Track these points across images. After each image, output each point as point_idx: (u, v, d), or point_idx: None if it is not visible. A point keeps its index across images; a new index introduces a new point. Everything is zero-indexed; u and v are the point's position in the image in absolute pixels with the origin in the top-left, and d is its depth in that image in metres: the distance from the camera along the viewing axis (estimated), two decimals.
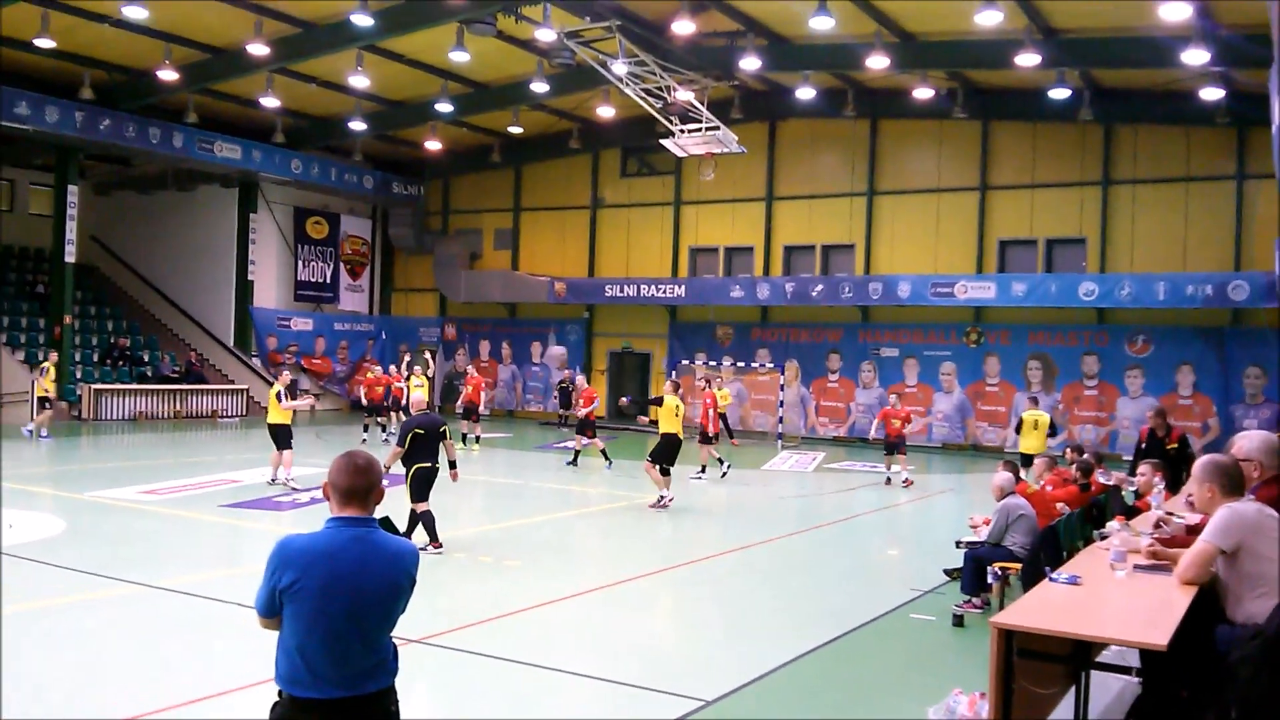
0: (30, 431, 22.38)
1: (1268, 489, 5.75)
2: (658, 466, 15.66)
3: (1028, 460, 15.87)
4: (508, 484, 19.22)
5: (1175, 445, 13.31)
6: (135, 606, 9.26)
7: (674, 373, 29.14)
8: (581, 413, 21.42)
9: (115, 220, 34.18)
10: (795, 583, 11.47)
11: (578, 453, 21.64)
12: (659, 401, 16.04)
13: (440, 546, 11.60)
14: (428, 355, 26.34)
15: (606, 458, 21.35)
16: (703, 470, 20.46)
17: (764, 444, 27.95)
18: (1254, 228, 24.57)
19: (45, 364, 23.53)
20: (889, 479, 20.24)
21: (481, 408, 24.39)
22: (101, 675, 7.28)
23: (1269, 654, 4.52)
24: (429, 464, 11.62)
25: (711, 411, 20.96)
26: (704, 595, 10.70)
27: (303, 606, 3.65)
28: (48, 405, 23.10)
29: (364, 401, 25.83)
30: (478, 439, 24.27)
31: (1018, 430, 19.40)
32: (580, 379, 24.00)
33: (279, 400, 16.60)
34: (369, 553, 3.73)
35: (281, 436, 16.55)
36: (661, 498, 15.63)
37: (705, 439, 20.76)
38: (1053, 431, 18.88)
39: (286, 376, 17.60)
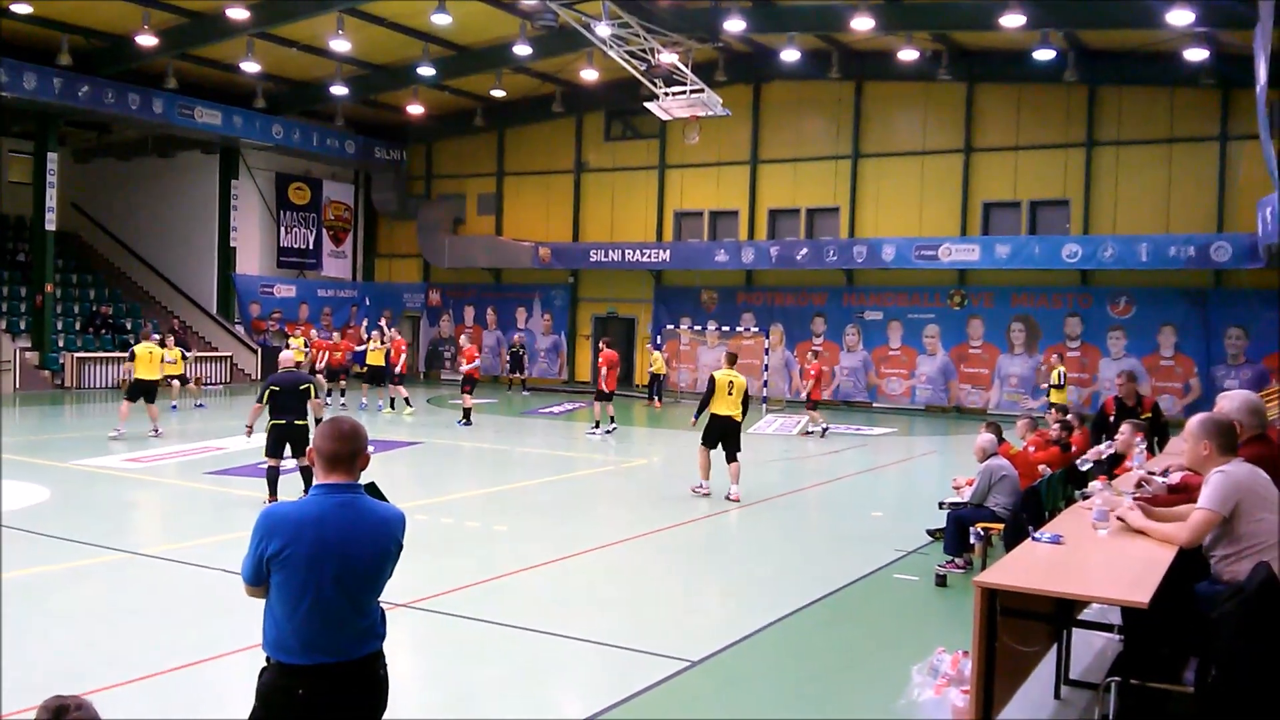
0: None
1: (1249, 448, 5.81)
2: (706, 451, 13.74)
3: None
4: (494, 449, 19.24)
5: (1149, 415, 11.57)
6: (121, 574, 9.27)
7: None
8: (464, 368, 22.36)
9: (96, 187, 33.88)
10: (780, 544, 11.53)
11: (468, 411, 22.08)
12: (711, 386, 13.74)
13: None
14: (383, 323, 26.29)
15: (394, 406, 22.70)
16: (596, 426, 21.17)
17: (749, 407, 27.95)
18: (1237, 189, 24.64)
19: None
20: (808, 430, 21.97)
21: (399, 369, 24.42)
22: (88, 642, 7.29)
23: (1250, 611, 4.58)
24: (283, 421, 11.74)
25: (605, 371, 21.50)
26: (689, 558, 10.77)
27: (290, 574, 3.65)
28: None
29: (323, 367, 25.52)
30: (407, 401, 24.10)
31: (1050, 387, 21.70)
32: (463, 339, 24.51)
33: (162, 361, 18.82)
34: (355, 518, 3.73)
35: (151, 391, 18.40)
36: (701, 486, 13.80)
37: (601, 396, 21.42)
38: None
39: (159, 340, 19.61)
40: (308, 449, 3.90)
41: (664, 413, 26.71)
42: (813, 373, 22.38)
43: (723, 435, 13.61)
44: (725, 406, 13.58)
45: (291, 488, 11.69)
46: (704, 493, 13.61)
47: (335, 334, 26.78)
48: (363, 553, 3.72)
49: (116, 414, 18.53)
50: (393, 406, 24.14)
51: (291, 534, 3.65)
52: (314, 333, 26.53)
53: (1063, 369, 22.06)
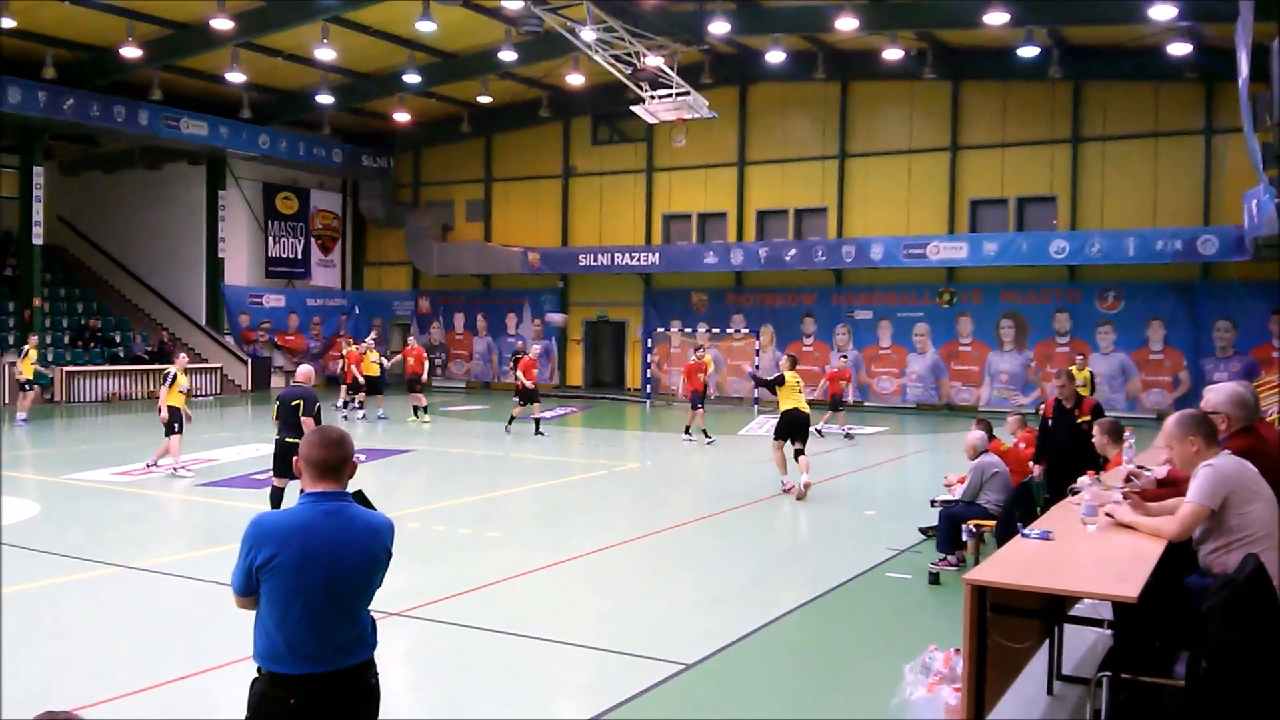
0: (24, 421, 21.99)
1: (1237, 440, 5.82)
2: (781, 445, 14.40)
3: None
4: (486, 455, 19.22)
5: (1087, 418, 10.18)
6: (113, 588, 9.24)
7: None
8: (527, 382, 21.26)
9: (83, 201, 33.82)
10: (773, 545, 11.55)
11: (538, 421, 21.48)
12: (780, 381, 14.40)
13: None
14: (372, 336, 26.29)
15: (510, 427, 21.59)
16: (689, 432, 20.77)
17: (740, 409, 28.01)
18: (1222, 182, 24.72)
19: (26, 347, 23.14)
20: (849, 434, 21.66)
21: (425, 377, 24.52)
22: (81, 657, 7.28)
23: (1239, 603, 4.59)
24: (280, 436, 11.44)
25: (702, 376, 21.07)
26: (683, 560, 10.76)
27: (279, 583, 3.65)
28: (27, 389, 22.59)
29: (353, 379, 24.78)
30: (425, 409, 24.06)
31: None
32: (536, 348, 23.98)
33: (169, 382, 15.73)
34: (344, 526, 3.73)
35: (173, 421, 15.65)
36: (783, 483, 14.35)
37: (698, 402, 20.88)
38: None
39: (184, 359, 16.90)
40: (294, 459, 3.90)
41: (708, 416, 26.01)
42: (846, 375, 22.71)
43: (796, 428, 14.26)
44: (794, 401, 14.31)
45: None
46: (789, 488, 14.11)
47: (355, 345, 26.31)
48: (351, 561, 3.72)
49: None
50: (425, 413, 23.99)
51: (280, 542, 3.65)
52: (354, 345, 26.17)
53: (1090, 371, 21.54)
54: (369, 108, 32.42)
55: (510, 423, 21.68)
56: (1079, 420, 9.99)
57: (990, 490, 9.83)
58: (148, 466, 15.68)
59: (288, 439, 11.29)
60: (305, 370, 12.27)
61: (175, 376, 15.76)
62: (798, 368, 14.93)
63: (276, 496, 11.48)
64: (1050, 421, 10.54)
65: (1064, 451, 9.99)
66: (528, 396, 21.18)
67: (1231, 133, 23.76)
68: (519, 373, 21.67)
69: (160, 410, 15.57)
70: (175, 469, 15.39)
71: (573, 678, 7.19)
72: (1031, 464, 10.50)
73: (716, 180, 31.07)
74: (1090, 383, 20.88)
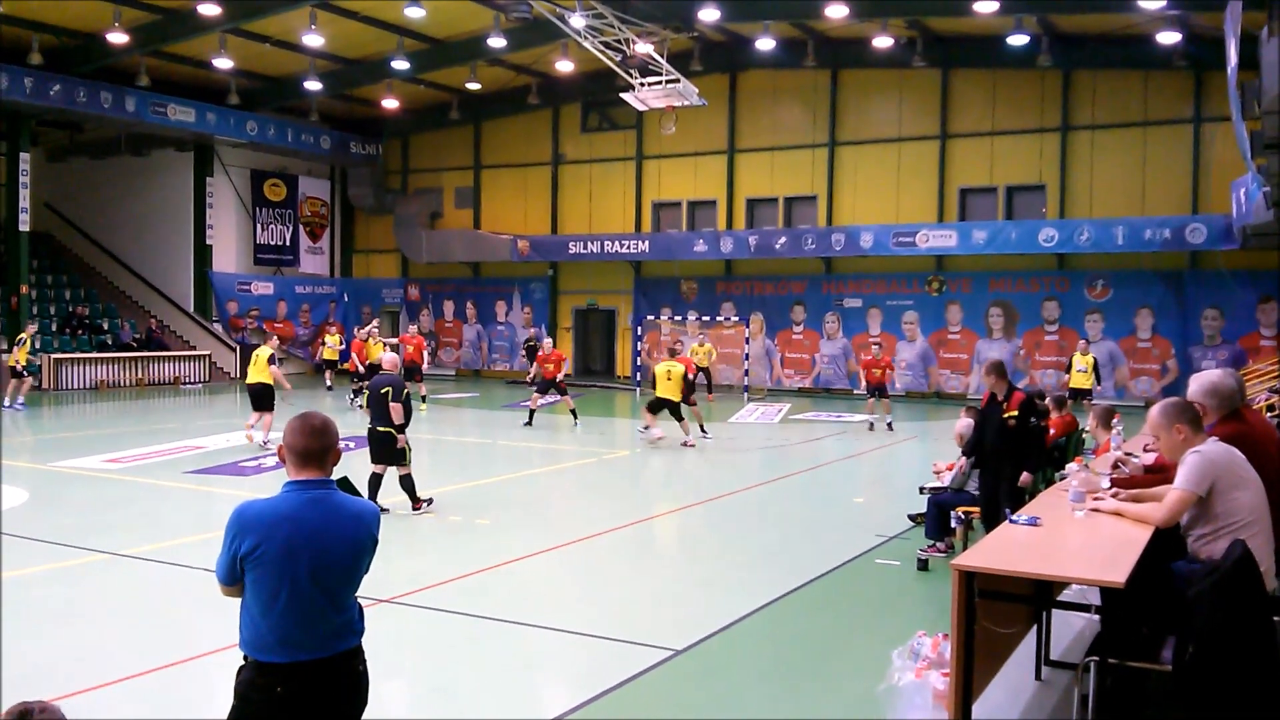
0: (21, 405, 22.32)
1: (1224, 426, 5.84)
2: (654, 415, 18.20)
3: (1077, 395, 19.65)
4: (476, 443, 19.20)
5: (1015, 414, 9.38)
6: (101, 575, 9.22)
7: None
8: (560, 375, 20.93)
9: (69, 187, 33.58)
10: (763, 532, 11.55)
11: (533, 412, 20.92)
12: (653, 377, 18.71)
13: (420, 507, 11.91)
14: (375, 324, 26.22)
15: (576, 416, 20.99)
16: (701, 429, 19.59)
17: (730, 396, 28.03)
18: (1211, 171, 24.76)
19: (23, 335, 23.44)
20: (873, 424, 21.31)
21: (425, 366, 24.44)
22: (67, 644, 7.25)
23: (1226, 589, 4.61)
24: (371, 426, 11.88)
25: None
26: (673, 547, 10.77)
27: (265, 571, 3.63)
28: (23, 375, 22.70)
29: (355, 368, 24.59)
30: (424, 398, 23.99)
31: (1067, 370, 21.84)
32: (547, 341, 23.32)
33: (270, 362, 17.04)
34: (329, 514, 3.71)
35: (266, 398, 17.00)
36: (654, 433, 18.18)
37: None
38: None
39: (275, 340, 18.33)
40: (278, 446, 3.88)
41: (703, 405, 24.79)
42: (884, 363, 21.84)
43: (662, 405, 18.07)
44: (662, 389, 18.02)
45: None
46: (658, 438, 18.13)
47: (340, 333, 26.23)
48: (337, 548, 3.70)
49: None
50: (423, 401, 23.80)
51: (264, 531, 3.63)
52: (359, 331, 25.84)
53: (1093, 357, 21.51)
54: (357, 94, 32.26)
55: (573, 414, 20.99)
56: (1005, 415, 9.32)
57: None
58: (265, 445, 16.58)
59: (379, 428, 11.75)
60: (392, 359, 12.72)
61: (275, 355, 17.43)
62: (677, 357, 18.74)
63: (374, 482, 11.71)
64: (982, 415, 9.85)
65: (992, 446, 9.45)
66: (545, 387, 20.86)
67: (1220, 121, 23.79)
68: (543, 365, 21.03)
69: (280, 386, 17.20)
70: (266, 443, 16.50)
71: (562, 664, 7.19)
72: (962, 458, 9.91)
73: (706, 168, 31.02)
74: (1094, 370, 21.14)
